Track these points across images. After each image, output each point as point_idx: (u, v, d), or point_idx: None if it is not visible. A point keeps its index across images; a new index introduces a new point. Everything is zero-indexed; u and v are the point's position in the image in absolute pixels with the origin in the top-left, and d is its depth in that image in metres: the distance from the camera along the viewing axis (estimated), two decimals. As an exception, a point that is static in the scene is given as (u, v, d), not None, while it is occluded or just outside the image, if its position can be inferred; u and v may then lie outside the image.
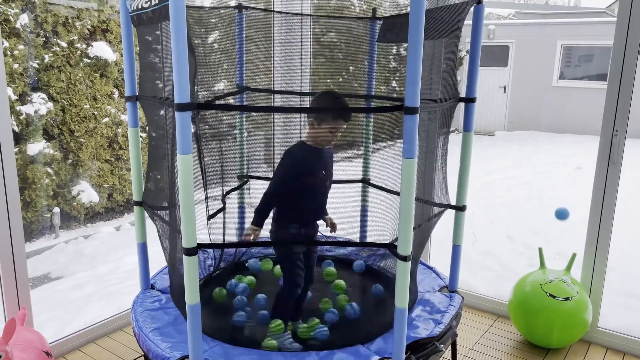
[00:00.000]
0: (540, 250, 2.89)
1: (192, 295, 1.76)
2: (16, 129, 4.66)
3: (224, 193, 2.60)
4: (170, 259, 2.27)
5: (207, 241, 2.16)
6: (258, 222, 2.14)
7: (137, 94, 2.30)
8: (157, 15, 1.88)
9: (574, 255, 2.82)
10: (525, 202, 6.37)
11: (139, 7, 1.99)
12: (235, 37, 2.77)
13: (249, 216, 2.99)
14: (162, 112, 2.24)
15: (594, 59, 11.10)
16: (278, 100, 3.43)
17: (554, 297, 2.63)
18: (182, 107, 1.61)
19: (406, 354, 1.90)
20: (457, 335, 2.34)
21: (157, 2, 1.84)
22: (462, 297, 2.44)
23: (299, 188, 2.14)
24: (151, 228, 2.38)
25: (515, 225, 5.49)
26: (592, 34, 10.72)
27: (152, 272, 2.55)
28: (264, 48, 3.30)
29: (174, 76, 1.60)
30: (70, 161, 5.13)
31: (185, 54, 1.58)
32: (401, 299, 1.80)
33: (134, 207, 2.41)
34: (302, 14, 3.19)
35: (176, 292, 2.28)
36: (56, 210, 5.07)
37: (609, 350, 2.78)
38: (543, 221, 5.56)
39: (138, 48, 2.31)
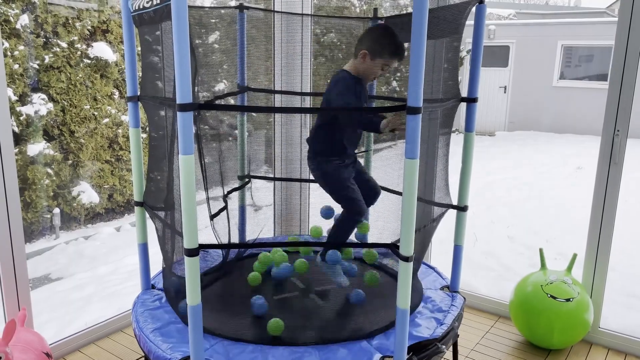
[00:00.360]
0: (541, 250, 2.89)
1: (193, 296, 1.75)
2: (16, 129, 4.66)
3: (226, 193, 2.60)
4: (167, 259, 2.27)
5: (206, 241, 2.15)
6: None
7: (139, 94, 2.29)
8: (159, 15, 1.88)
9: (574, 256, 2.81)
10: (525, 202, 6.37)
11: (141, 7, 1.99)
12: (236, 37, 2.76)
13: (251, 217, 3.00)
14: (163, 113, 2.24)
15: (594, 59, 11.10)
16: (278, 101, 3.43)
17: (555, 298, 2.62)
18: (183, 108, 1.60)
19: (408, 354, 1.90)
20: (458, 335, 2.33)
21: (159, 1, 1.84)
22: (464, 298, 2.44)
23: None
24: (152, 228, 2.38)
25: (515, 226, 5.49)
26: (593, 34, 10.73)
27: (152, 273, 2.55)
28: (264, 48, 3.29)
29: (175, 76, 1.60)
30: (70, 162, 5.12)
31: (187, 54, 1.58)
32: (403, 299, 1.80)
33: (135, 207, 2.40)
34: (302, 14, 3.19)
35: (172, 294, 2.27)
36: (56, 211, 5.07)
37: (610, 351, 2.77)
38: (543, 221, 5.56)
39: (140, 48, 2.31)
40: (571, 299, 2.61)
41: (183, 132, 1.63)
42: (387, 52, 2.08)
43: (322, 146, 2.28)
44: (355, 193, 2.27)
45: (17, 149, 4.67)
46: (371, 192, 2.42)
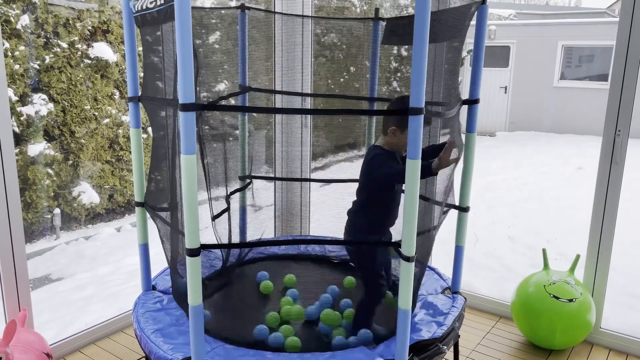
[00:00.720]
0: (544, 251, 2.88)
1: (194, 296, 1.75)
2: (17, 129, 4.65)
3: (228, 193, 2.60)
4: (171, 260, 2.26)
5: (209, 242, 2.15)
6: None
7: (140, 94, 2.29)
8: (162, 15, 1.88)
9: (577, 257, 2.81)
10: (526, 203, 6.36)
11: (144, 7, 1.98)
12: (237, 37, 2.76)
13: (252, 217, 3.00)
14: (164, 113, 2.24)
15: (595, 59, 11.09)
16: (279, 101, 3.43)
17: (557, 298, 2.62)
18: (186, 108, 1.60)
19: (409, 355, 1.90)
20: (459, 336, 2.33)
21: (162, 2, 1.83)
22: (465, 299, 2.44)
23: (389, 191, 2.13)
24: (153, 229, 2.38)
25: (516, 226, 5.48)
26: (593, 34, 10.72)
27: (153, 273, 2.55)
28: (265, 48, 3.29)
29: (178, 76, 1.59)
30: (70, 162, 5.12)
31: (190, 54, 1.58)
32: (405, 300, 1.79)
33: (136, 208, 2.40)
34: (302, 15, 3.19)
35: (179, 293, 2.27)
36: (57, 211, 5.06)
37: (611, 352, 2.77)
38: (544, 222, 5.55)
39: (142, 49, 2.30)
40: (574, 300, 2.61)
41: (185, 132, 1.62)
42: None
43: (366, 221, 2.20)
44: (383, 279, 2.23)
45: (18, 149, 4.67)
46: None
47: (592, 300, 2.70)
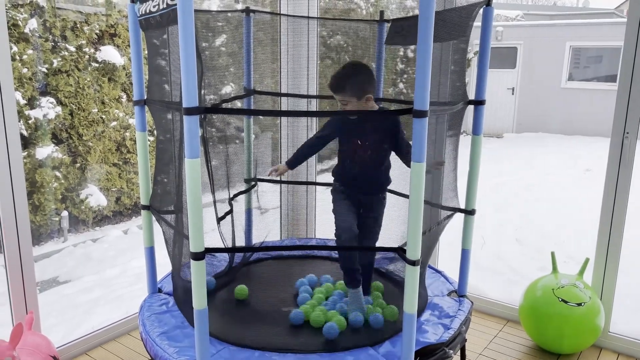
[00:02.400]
0: (552, 254, 2.86)
1: (199, 300, 1.75)
2: (25, 133, 4.69)
3: (231, 196, 2.60)
4: (175, 263, 2.26)
5: (213, 245, 2.15)
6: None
7: (146, 97, 2.30)
8: (165, 19, 1.88)
9: (587, 260, 2.78)
10: (534, 205, 6.32)
11: (148, 11, 1.99)
12: (242, 40, 2.76)
13: (257, 220, 3.00)
14: (170, 116, 2.24)
15: (603, 60, 11.02)
16: (284, 103, 3.43)
17: (566, 302, 2.59)
18: (190, 111, 1.60)
19: (415, 359, 1.88)
20: (466, 340, 2.31)
21: (165, 6, 1.84)
22: (472, 302, 2.42)
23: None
24: (159, 232, 2.38)
25: (524, 228, 5.45)
26: (601, 35, 10.66)
27: (159, 276, 2.55)
28: (270, 51, 3.30)
29: (181, 80, 1.59)
30: (78, 165, 5.15)
31: (193, 57, 1.58)
32: (410, 304, 1.78)
33: (142, 211, 2.40)
34: (308, 17, 3.19)
35: (180, 296, 2.27)
36: (64, 213, 5.09)
37: (620, 356, 2.74)
38: (552, 224, 5.51)
39: (147, 52, 2.31)
40: (583, 304, 2.58)
41: (189, 136, 1.62)
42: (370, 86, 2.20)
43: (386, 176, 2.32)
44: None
45: (26, 152, 4.70)
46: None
47: (601, 304, 2.67)
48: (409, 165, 2.04)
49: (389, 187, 2.40)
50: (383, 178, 2.32)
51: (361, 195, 2.30)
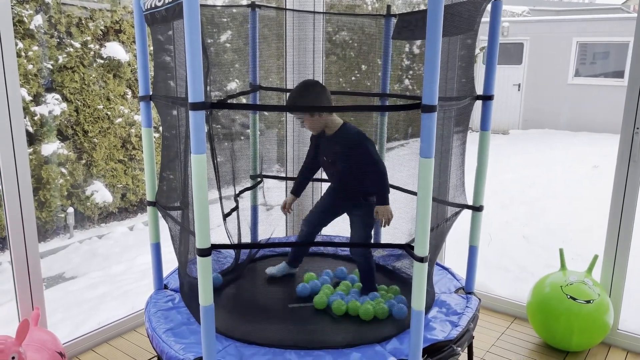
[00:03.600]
0: (561, 251, 2.83)
1: (206, 296, 1.74)
2: (31, 129, 4.69)
3: (237, 193, 2.59)
4: (181, 259, 2.26)
5: (219, 241, 2.14)
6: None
7: (151, 93, 2.28)
8: (170, 13, 1.87)
9: (595, 257, 2.76)
10: (541, 202, 6.28)
11: (153, 5, 1.98)
12: (248, 36, 2.74)
13: (263, 216, 2.99)
14: (175, 112, 2.23)
15: (610, 55, 10.92)
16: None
17: (574, 299, 2.57)
18: (195, 107, 1.59)
19: (423, 356, 1.87)
20: (473, 337, 2.29)
21: (170, 0, 1.82)
22: (479, 299, 2.40)
23: None
24: (165, 228, 2.37)
25: (531, 225, 5.42)
26: (608, 30, 10.56)
27: (165, 272, 2.54)
28: (276, 47, 3.28)
29: (187, 75, 1.58)
30: (84, 161, 5.15)
31: (199, 52, 1.56)
32: (418, 301, 1.77)
33: (148, 207, 2.40)
34: (314, 12, 3.16)
35: (187, 293, 2.27)
36: (70, 210, 5.10)
37: (629, 354, 2.72)
38: (560, 221, 5.48)
39: (152, 48, 2.30)
40: (591, 301, 2.56)
41: (195, 132, 1.61)
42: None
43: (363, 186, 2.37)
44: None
45: (32, 149, 4.71)
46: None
47: (610, 302, 2.65)
48: (375, 192, 2.28)
49: (394, 184, 2.40)
50: (359, 188, 2.35)
51: (338, 200, 2.44)
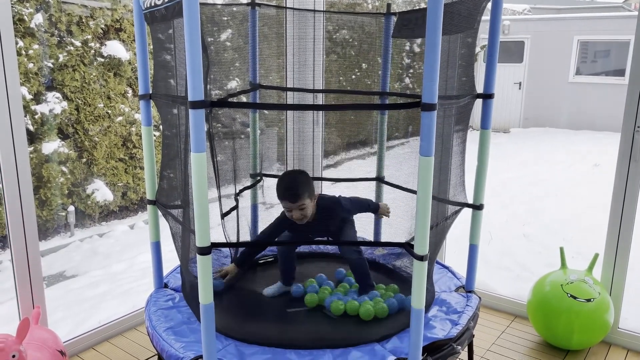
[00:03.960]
0: (561, 249, 2.83)
1: (206, 294, 1.74)
2: (31, 128, 4.69)
3: (237, 192, 2.58)
4: (182, 258, 2.26)
5: (220, 240, 2.14)
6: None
7: (151, 92, 2.28)
8: (170, 12, 1.86)
9: (596, 256, 2.75)
10: (541, 201, 6.28)
11: (152, 4, 1.97)
12: (248, 34, 2.74)
13: (263, 215, 2.98)
14: (176, 111, 2.23)
15: (611, 54, 10.91)
16: (290, 98, 3.41)
17: (575, 298, 2.57)
18: (195, 105, 1.59)
19: (422, 355, 1.87)
20: (473, 336, 2.29)
21: (169, -2, 1.82)
22: (479, 298, 2.40)
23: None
24: (165, 226, 2.37)
25: (532, 224, 5.41)
26: (609, 28, 10.54)
27: (165, 271, 2.55)
28: (276, 45, 3.27)
29: (187, 73, 1.58)
30: (84, 160, 5.15)
31: (199, 51, 1.56)
32: (418, 299, 1.76)
33: (148, 205, 2.40)
34: (314, 10, 3.16)
35: (188, 291, 2.27)
36: (71, 208, 5.11)
37: (630, 352, 2.71)
38: (560, 220, 5.47)
39: (152, 46, 2.30)
40: (592, 299, 2.56)
41: (195, 130, 1.61)
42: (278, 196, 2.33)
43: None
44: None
45: (32, 148, 4.71)
46: None
47: (611, 300, 2.65)
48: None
49: (393, 183, 2.41)
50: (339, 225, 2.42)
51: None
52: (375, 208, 2.57)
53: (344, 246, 2.43)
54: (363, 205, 2.53)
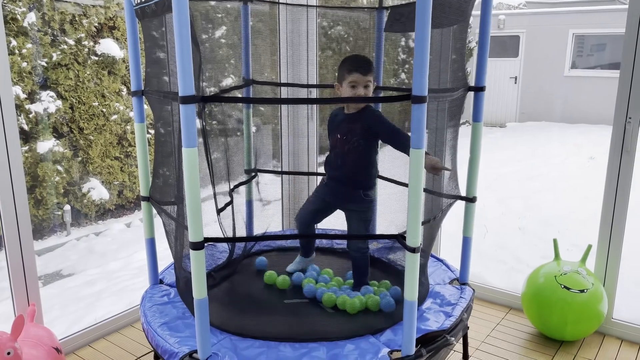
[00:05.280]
0: (555, 241, 2.84)
1: (199, 289, 1.75)
2: (26, 127, 4.69)
3: (232, 187, 2.59)
4: (176, 255, 2.26)
5: (215, 236, 2.14)
6: None
7: (143, 88, 2.28)
8: (160, 7, 1.86)
9: (589, 247, 2.77)
10: (537, 194, 6.29)
11: (142, 0, 1.97)
12: (240, 30, 2.74)
13: (258, 211, 2.99)
14: (168, 107, 2.23)
15: (607, 47, 10.92)
16: (285, 94, 3.41)
17: (568, 289, 2.58)
18: (186, 100, 1.59)
19: (416, 347, 1.88)
20: (468, 328, 2.31)
21: (159, -7, 1.82)
22: (473, 290, 2.41)
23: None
24: (160, 223, 2.38)
25: (527, 217, 5.43)
26: (604, 22, 10.55)
27: (160, 268, 2.55)
28: (270, 41, 3.27)
29: (177, 69, 1.58)
30: (80, 159, 5.15)
31: (188, 46, 1.56)
32: (410, 291, 1.77)
33: (142, 202, 2.40)
34: (307, 5, 3.16)
35: (182, 287, 2.27)
36: (67, 207, 5.10)
37: (624, 342, 2.73)
38: (556, 212, 5.49)
39: (143, 42, 2.29)
40: (585, 290, 2.57)
41: (186, 125, 1.61)
42: (345, 72, 2.21)
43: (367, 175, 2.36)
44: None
45: (27, 147, 4.70)
46: None
47: (604, 291, 2.66)
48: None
49: (387, 177, 2.39)
50: (363, 176, 2.32)
51: (339, 190, 2.36)
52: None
53: (351, 240, 2.42)
54: (401, 137, 2.15)
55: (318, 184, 2.53)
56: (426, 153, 2.14)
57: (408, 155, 2.08)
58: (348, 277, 2.47)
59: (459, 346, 2.39)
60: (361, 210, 2.35)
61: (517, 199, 6.11)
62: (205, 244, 1.72)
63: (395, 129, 2.20)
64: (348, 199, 2.34)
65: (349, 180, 2.31)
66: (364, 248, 2.37)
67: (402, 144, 2.11)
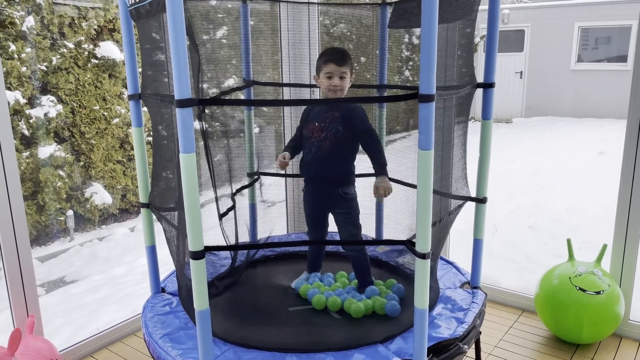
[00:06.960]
0: (568, 241, 2.75)
1: (201, 300, 1.68)
2: (26, 132, 4.63)
3: (234, 191, 2.52)
4: (177, 262, 2.19)
5: (216, 243, 2.07)
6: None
7: (140, 92, 2.21)
8: (154, 7, 1.79)
9: (604, 247, 2.68)
10: (546, 190, 6.19)
11: (137, 0, 1.90)
12: (239, 30, 2.67)
13: (261, 214, 2.92)
14: (166, 111, 2.16)
15: (612, 40, 10.78)
16: (287, 95, 3.33)
17: (584, 290, 2.49)
18: (182, 104, 1.52)
19: (428, 356, 1.80)
20: (480, 333, 2.23)
21: (152, -7, 1.75)
22: (485, 294, 2.33)
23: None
24: (161, 230, 2.31)
25: (537, 214, 5.33)
26: (610, 14, 10.41)
27: (162, 275, 2.48)
28: (271, 40, 3.20)
29: (173, 71, 1.51)
30: (82, 163, 5.10)
31: (184, 47, 1.49)
32: (421, 299, 1.70)
33: (141, 209, 2.33)
34: (309, 2, 3.08)
35: (185, 296, 2.21)
36: (70, 213, 5.05)
37: (642, 344, 2.65)
38: (566, 209, 5.39)
39: (139, 44, 2.22)
40: (601, 292, 2.48)
41: (183, 130, 1.54)
42: (320, 64, 2.21)
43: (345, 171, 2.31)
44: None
45: (28, 152, 4.65)
46: None
47: (621, 292, 2.57)
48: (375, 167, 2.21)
49: (394, 178, 2.32)
50: (339, 170, 2.26)
51: (319, 194, 2.33)
52: (382, 165, 2.22)
53: (345, 236, 2.36)
54: (374, 147, 2.22)
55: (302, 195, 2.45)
56: (389, 178, 2.23)
57: (371, 158, 2.23)
58: (352, 278, 2.40)
59: (471, 352, 2.31)
60: (344, 212, 2.30)
61: (526, 195, 6.01)
62: (206, 253, 1.65)
63: (369, 128, 2.22)
64: (329, 201, 2.31)
65: (325, 177, 2.26)
66: (358, 246, 2.32)
67: (372, 147, 2.22)
